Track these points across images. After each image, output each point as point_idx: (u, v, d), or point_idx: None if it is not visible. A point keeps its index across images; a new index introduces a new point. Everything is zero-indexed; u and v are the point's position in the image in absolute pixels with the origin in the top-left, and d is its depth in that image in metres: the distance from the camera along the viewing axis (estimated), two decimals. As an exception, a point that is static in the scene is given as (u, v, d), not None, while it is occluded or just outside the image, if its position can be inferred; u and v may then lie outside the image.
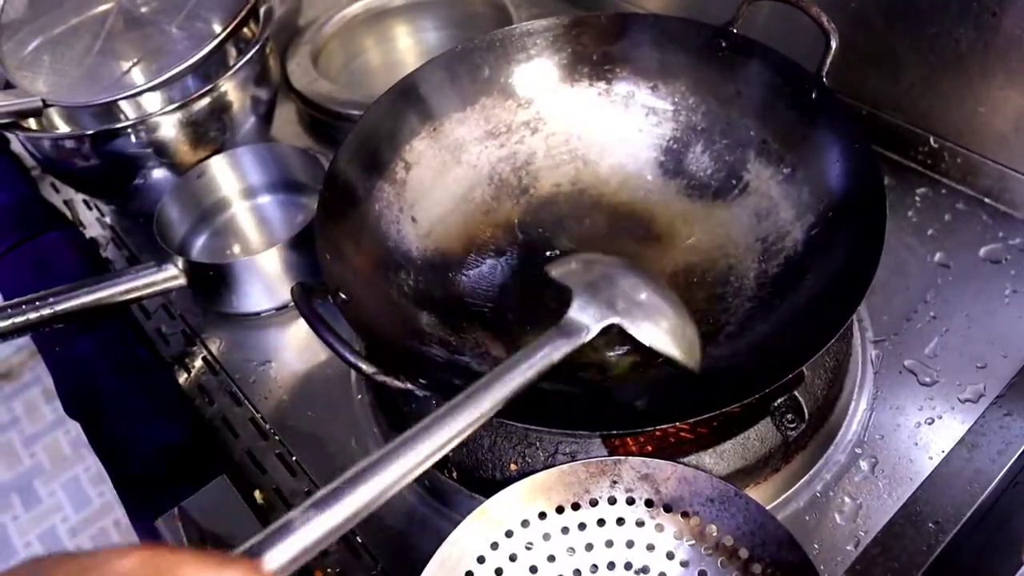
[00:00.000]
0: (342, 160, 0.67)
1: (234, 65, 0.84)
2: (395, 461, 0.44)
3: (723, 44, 0.71)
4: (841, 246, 0.61)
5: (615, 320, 0.55)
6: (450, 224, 0.73)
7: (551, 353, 0.52)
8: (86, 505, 1.69)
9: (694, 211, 0.72)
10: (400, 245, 0.69)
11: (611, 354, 0.62)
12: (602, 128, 0.77)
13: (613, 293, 0.57)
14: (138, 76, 0.87)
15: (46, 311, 0.71)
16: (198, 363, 0.79)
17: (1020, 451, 0.61)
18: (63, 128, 0.91)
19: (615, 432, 0.56)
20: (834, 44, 0.66)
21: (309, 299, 0.55)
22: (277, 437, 0.71)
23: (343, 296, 0.58)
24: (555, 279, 0.59)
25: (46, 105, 0.80)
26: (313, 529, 0.41)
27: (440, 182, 0.73)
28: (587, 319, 0.54)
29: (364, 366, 0.52)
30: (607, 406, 0.59)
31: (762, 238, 0.68)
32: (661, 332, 0.57)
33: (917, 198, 0.79)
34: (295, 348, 0.78)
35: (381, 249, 0.68)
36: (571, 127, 0.77)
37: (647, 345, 0.56)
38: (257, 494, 0.67)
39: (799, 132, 0.68)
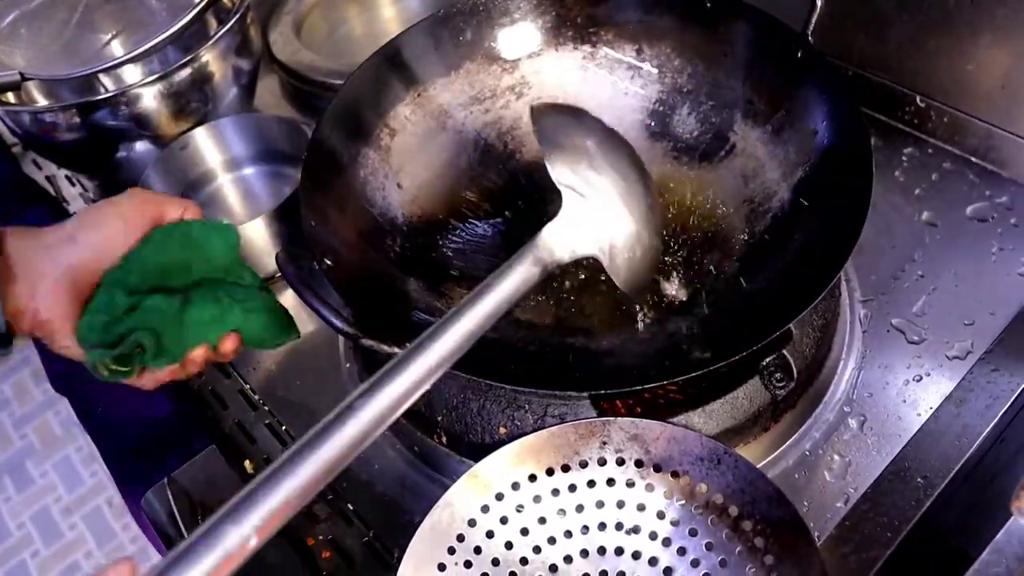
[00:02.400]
0: (326, 127, 0.66)
1: (214, 35, 0.83)
2: (364, 409, 0.42)
3: (708, 4, 0.71)
4: (828, 206, 0.61)
5: (592, 254, 0.52)
6: (436, 190, 0.72)
7: (519, 285, 0.48)
8: (79, 485, 1.69)
9: (681, 174, 0.72)
10: (386, 211, 0.69)
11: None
12: (587, 92, 0.76)
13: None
14: (117, 48, 0.86)
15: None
16: (185, 336, 0.78)
17: (1007, 406, 0.61)
18: (42, 102, 0.90)
19: (604, 392, 0.56)
20: (819, 3, 0.66)
21: (294, 265, 0.55)
22: (266, 407, 0.71)
23: (328, 262, 0.57)
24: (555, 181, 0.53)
25: (24, 79, 0.78)
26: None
27: (425, 148, 0.73)
28: (560, 248, 0.51)
29: (351, 331, 0.52)
30: (596, 368, 0.59)
31: (749, 199, 0.68)
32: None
33: (904, 158, 0.79)
34: (283, 319, 0.78)
35: (367, 216, 0.67)
36: (556, 91, 0.76)
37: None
38: (247, 464, 0.67)
39: (785, 92, 0.68)
